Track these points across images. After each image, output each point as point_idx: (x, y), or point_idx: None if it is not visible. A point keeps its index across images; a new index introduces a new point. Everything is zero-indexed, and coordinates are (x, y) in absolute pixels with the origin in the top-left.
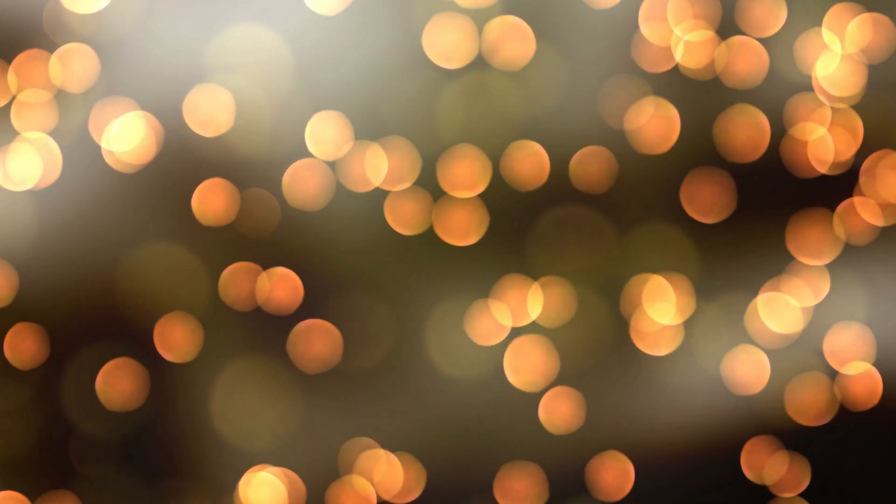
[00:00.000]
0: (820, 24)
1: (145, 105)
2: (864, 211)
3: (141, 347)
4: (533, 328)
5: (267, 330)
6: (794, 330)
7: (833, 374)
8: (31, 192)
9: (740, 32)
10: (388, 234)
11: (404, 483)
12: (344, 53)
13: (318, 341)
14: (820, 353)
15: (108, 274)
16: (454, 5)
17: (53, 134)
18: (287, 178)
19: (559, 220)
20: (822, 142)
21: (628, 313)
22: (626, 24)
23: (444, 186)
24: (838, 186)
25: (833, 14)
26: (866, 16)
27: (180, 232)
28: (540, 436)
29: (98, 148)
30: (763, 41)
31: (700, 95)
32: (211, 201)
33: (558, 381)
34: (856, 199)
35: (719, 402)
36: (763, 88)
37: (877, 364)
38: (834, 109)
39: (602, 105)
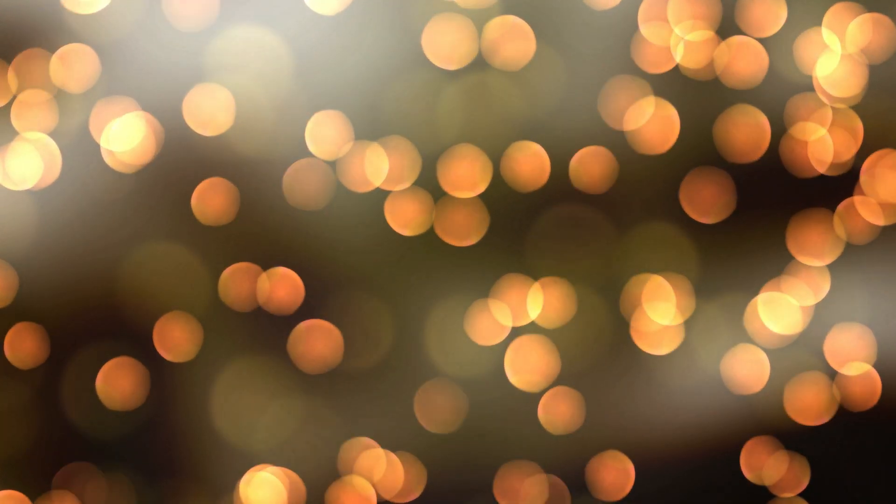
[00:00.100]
0: (820, 24)
1: (145, 105)
2: (865, 211)
3: (141, 347)
4: (533, 328)
5: (267, 330)
6: (794, 330)
7: (833, 375)
8: (31, 192)
9: (740, 32)
10: (388, 234)
11: (404, 483)
12: (344, 53)
13: (318, 341)
14: (820, 354)
15: (108, 274)
16: (454, 5)
17: (53, 134)
18: (287, 178)
19: (559, 220)
20: (822, 142)
21: (628, 313)
22: (626, 24)
23: (445, 187)
24: (838, 186)
25: (833, 14)
26: (866, 16)
27: (180, 232)
28: (540, 436)
29: (98, 148)
30: (763, 41)
31: (700, 95)
32: (211, 201)
33: (558, 381)
34: (856, 199)
35: (719, 402)
36: (763, 88)
37: (876, 364)
38: (834, 109)
39: (602, 105)
